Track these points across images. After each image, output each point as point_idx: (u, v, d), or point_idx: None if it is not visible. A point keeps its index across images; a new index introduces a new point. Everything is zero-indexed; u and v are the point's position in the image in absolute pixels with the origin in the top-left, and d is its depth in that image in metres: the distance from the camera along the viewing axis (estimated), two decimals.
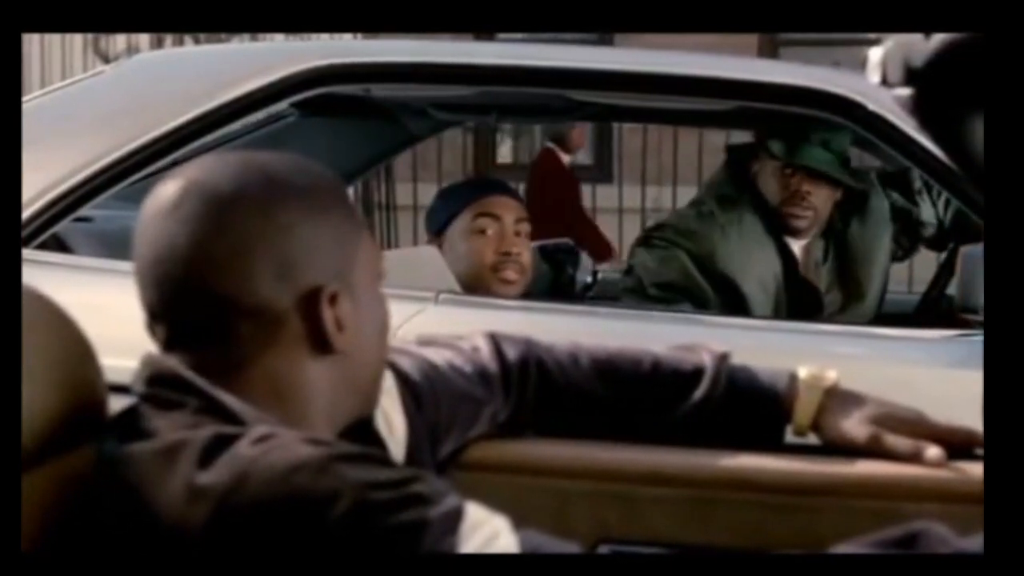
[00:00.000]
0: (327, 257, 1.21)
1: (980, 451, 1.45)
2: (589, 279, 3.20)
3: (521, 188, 5.81)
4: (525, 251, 2.58)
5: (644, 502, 1.49)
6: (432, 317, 2.15)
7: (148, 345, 1.22)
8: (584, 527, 1.47)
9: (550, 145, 6.89)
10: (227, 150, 2.26)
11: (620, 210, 7.23)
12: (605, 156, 8.73)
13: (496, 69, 2.48)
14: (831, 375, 1.52)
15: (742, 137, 3.44)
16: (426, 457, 1.41)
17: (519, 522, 1.10)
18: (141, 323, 1.22)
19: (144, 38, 8.70)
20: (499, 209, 2.58)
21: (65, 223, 2.32)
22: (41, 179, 2.24)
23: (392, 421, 1.37)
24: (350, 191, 5.26)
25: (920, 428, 1.48)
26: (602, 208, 7.37)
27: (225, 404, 1.15)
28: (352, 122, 3.25)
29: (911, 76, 0.95)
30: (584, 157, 9.28)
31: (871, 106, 2.29)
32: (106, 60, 8.39)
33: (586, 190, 7.44)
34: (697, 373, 1.53)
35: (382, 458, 1.15)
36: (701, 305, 2.64)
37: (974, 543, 1.08)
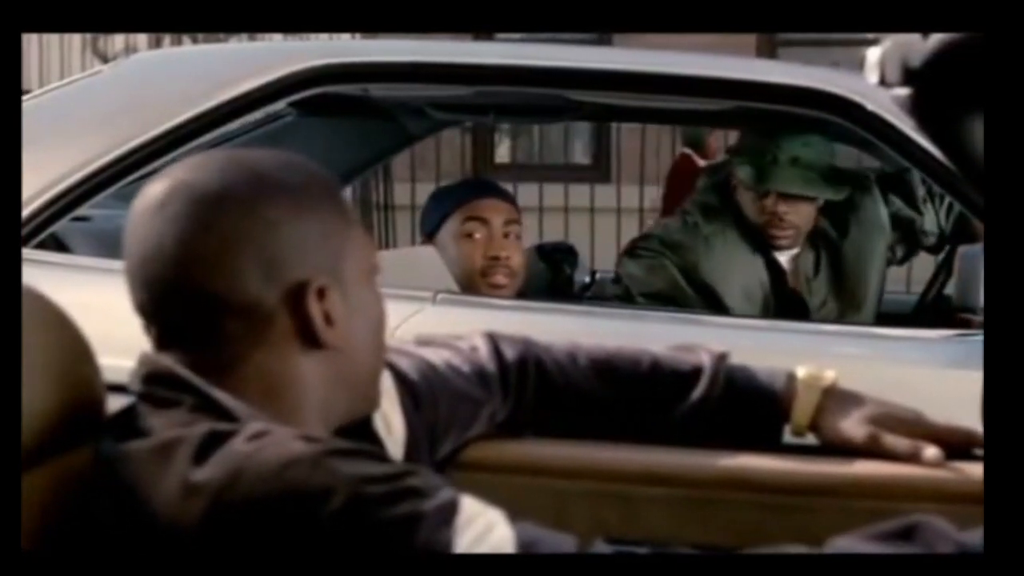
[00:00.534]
0: (314, 252, 1.20)
1: (979, 451, 1.45)
2: (587, 279, 3.20)
3: (520, 188, 5.81)
4: (515, 254, 2.55)
5: (643, 502, 1.49)
6: (430, 317, 2.15)
7: (146, 344, 1.22)
8: (583, 527, 1.46)
9: (686, 151, 7.02)
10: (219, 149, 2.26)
11: (618, 210, 7.21)
12: (603, 156, 8.73)
13: (494, 69, 2.48)
14: (829, 375, 1.52)
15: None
16: (424, 457, 1.41)
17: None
18: (139, 322, 1.22)
19: (142, 38, 8.70)
20: (487, 212, 2.56)
21: (63, 222, 2.31)
22: (39, 179, 2.23)
23: (390, 421, 1.37)
24: (348, 191, 5.26)
25: (919, 428, 1.48)
26: (600, 208, 7.36)
27: (219, 402, 1.15)
28: (350, 122, 3.24)
29: (909, 76, 0.96)
30: (582, 157, 9.30)
31: (870, 106, 2.29)
32: (104, 60, 8.40)
33: (584, 190, 7.43)
34: (695, 373, 1.53)
35: (376, 453, 1.15)
36: None
37: (972, 536, 1.08)
